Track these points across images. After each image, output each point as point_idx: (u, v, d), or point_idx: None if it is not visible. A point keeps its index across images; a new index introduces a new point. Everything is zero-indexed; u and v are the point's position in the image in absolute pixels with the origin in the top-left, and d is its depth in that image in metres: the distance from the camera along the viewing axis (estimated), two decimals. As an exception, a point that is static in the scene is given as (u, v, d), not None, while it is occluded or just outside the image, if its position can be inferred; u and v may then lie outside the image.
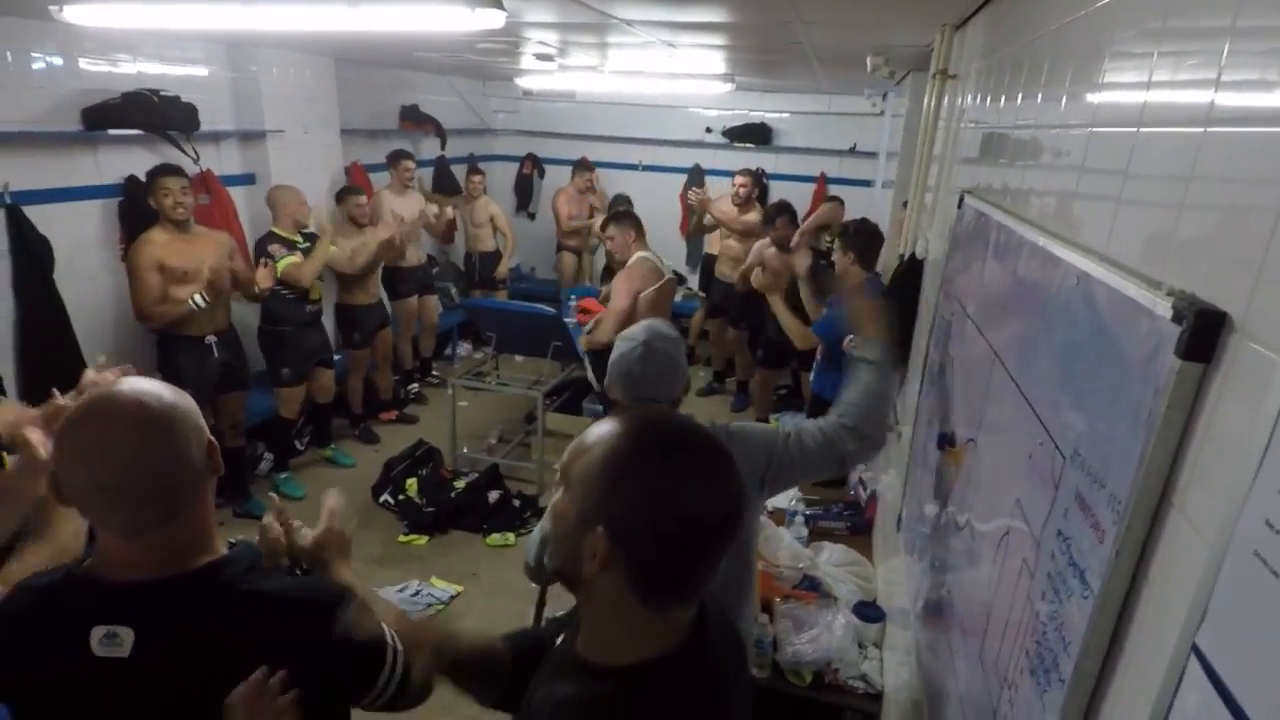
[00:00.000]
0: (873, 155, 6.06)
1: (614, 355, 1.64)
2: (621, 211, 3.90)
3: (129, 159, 3.66)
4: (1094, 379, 0.86)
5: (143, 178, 3.53)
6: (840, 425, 1.65)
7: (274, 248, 3.85)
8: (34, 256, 3.24)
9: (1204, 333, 0.64)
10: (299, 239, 4.00)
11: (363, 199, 4.58)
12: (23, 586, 1.02)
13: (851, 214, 4.37)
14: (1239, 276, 0.62)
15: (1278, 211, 0.58)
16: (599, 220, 5.78)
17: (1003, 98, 1.63)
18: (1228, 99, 0.68)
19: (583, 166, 6.44)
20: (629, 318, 3.47)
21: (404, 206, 5.04)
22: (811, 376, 3.63)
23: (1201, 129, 0.71)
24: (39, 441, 1.24)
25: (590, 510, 0.80)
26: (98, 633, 0.92)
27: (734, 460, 0.83)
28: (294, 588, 1.05)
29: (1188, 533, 0.66)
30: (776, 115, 6.59)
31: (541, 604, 2.15)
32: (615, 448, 0.81)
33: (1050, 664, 0.87)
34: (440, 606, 3.34)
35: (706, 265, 5.97)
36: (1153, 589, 0.71)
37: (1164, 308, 0.69)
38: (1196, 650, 0.59)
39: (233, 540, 1.06)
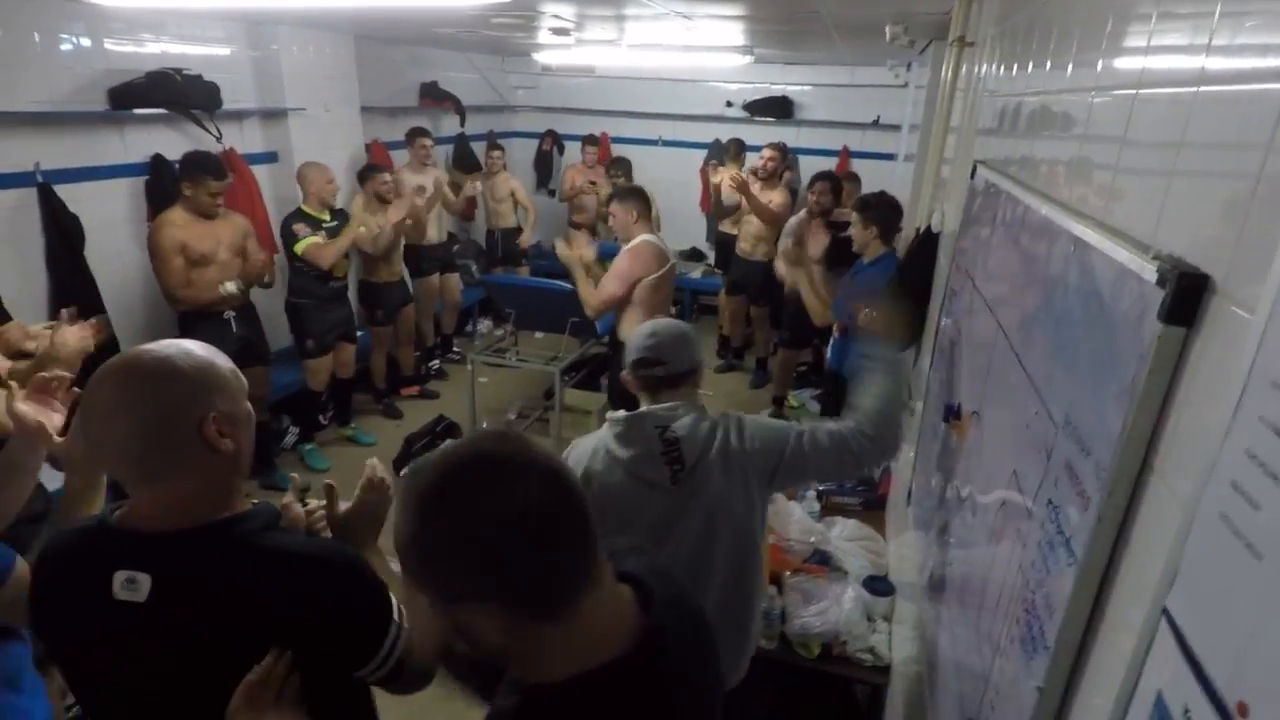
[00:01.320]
0: (896, 128, 5.95)
1: (628, 345, 1.68)
2: (626, 188, 3.73)
3: (154, 138, 3.73)
4: (1085, 347, 0.86)
5: (167, 156, 3.59)
6: (859, 431, 1.63)
7: (298, 226, 3.90)
8: (65, 234, 3.32)
9: (1186, 296, 0.63)
10: (326, 217, 4.03)
11: (388, 176, 4.58)
12: (62, 531, 1.07)
13: (874, 189, 4.31)
14: (1222, 239, 0.61)
15: (1258, 174, 0.57)
16: (604, 192, 5.77)
17: (1014, 65, 1.60)
18: (1217, 62, 0.67)
19: (590, 141, 6.43)
20: (624, 307, 3.36)
21: (423, 183, 5.06)
22: (828, 353, 3.61)
23: (1194, 89, 0.70)
24: (33, 414, 1.30)
25: (439, 601, 0.71)
26: (119, 577, 0.96)
27: (537, 460, 0.72)
28: (306, 546, 1.07)
29: (1167, 498, 0.66)
30: (798, 88, 6.49)
31: None
32: (405, 529, 0.71)
33: (1037, 632, 0.88)
34: (459, 577, 3.40)
35: (722, 243, 5.92)
36: (1133, 556, 0.71)
37: (1150, 272, 0.69)
38: (1166, 613, 0.59)
39: (255, 502, 1.08)
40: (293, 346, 4.25)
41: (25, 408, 1.29)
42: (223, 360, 1.03)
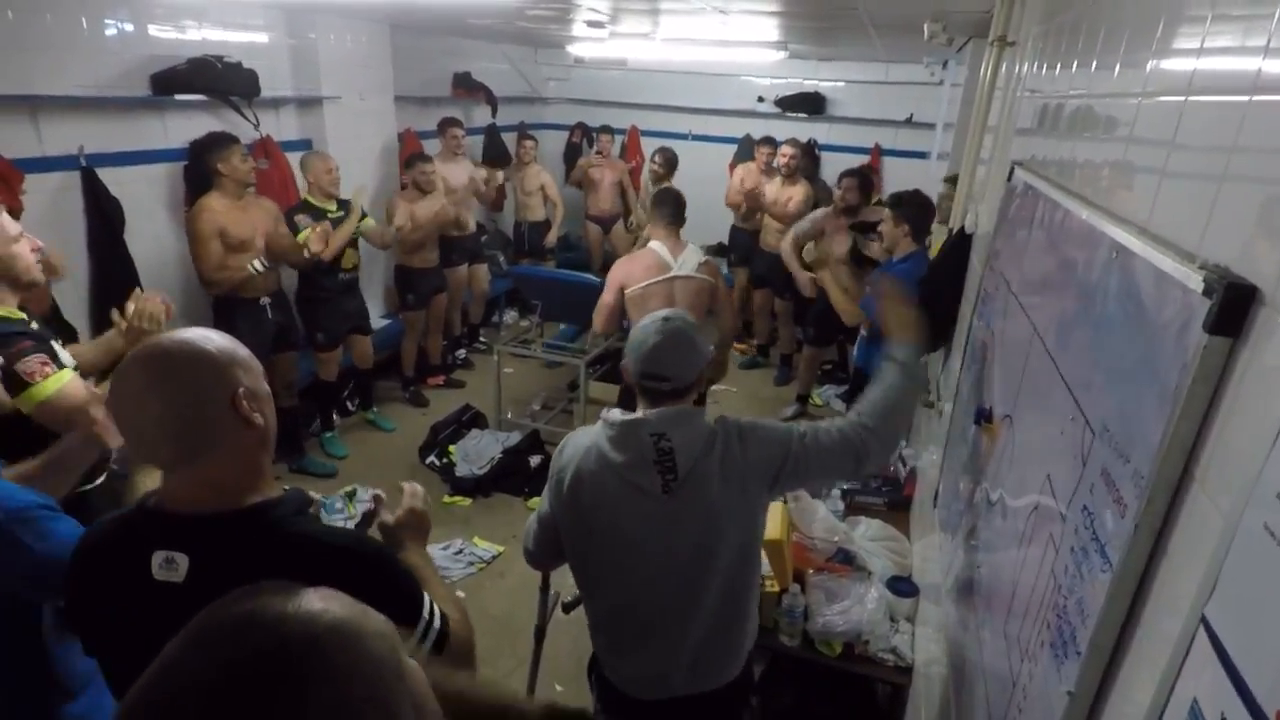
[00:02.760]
0: (930, 126, 5.88)
1: (632, 331, 1.61)
2: (658, 191, 3.59)
3: (194, 124, 3.79)
4: (1126, 354, 0.85)
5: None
6: (859, 424, 1.60)
7: (300, 217, 3.85)
8: (106, 217, 3.39)
9: (1233, 306, 0.63)
10: (331, 207, 4.01)
11: (429, 167, 4.61)
12: (99, 520, 1.10)
13: (904, 187, 4.27)
14: (1273, 249, 0.61)
15: (1315, 182, 0.56)
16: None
17: (1058, 65, 1.58)
18: (1275, 66, 0.66)
19: (603, 131, 6.47)
20: (614, 312, 3.33)
21: (453, 173, 5.10)
22: (855, 351, 3.60)
23: (1247, 97, 0.69)
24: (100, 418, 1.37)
25: None
26: (158, 558, 0.99)
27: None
28: (334, 536, 1.09)
29: (1207, 508, 0.66)
30: (831, 84, 6.44)
31: (545, 586, 2.24)
32: None
33: (1068, 637, 0.88)
34: (482, 565, 3.45)
35: (735, 239, 5.94)
36: (1171, 564, 0.71)
37: (1196, 281, 0.68)
38: (1205, 622, 0.59)
39: (286, 488, 1.11)
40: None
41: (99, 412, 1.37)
42: (240, 345, 1.06)
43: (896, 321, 1.76)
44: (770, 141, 5.58)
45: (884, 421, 1.61)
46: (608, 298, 3.31)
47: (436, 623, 1.11)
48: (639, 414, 1.57)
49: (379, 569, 1.07)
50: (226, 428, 1.00)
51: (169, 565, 0.99)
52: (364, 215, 4.13)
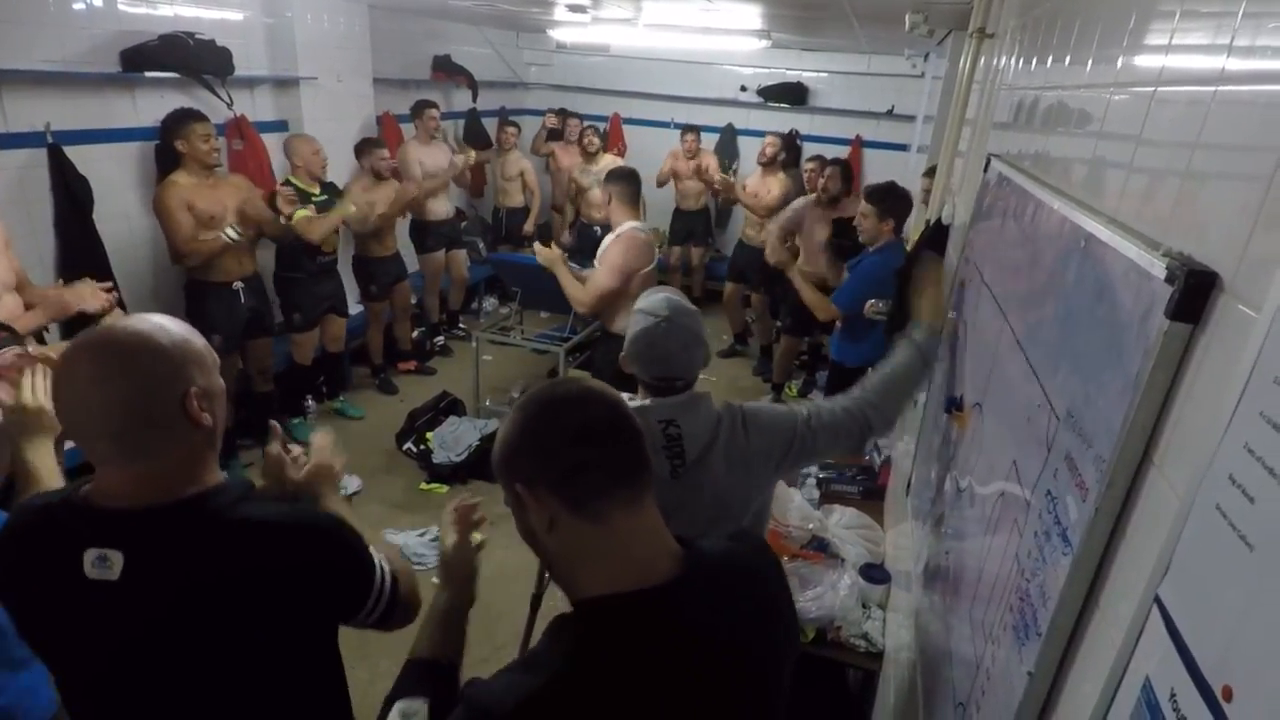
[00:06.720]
0: (910, 119, 5.92)
1: (634, 330, 1.57)
2: (614, 169, 3.34)
3: (165, 102, 3.69)
4: (1091, 341, 0.87)
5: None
6: (863, 400, 1.64)
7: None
8: (74, 196, 3.31)
9: (1194, 293, 0.64)
10: (315, 190, 3.96)
11: (384, 152, 4.51)
12: (21, 507, 1.04)
13: (885, 179, 4.29)
14: (1232, 238, 0.62)
15: (1271, 175, 0.58)
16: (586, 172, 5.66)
17: (1034, 58, 1.60)
18: (1237, 63, 0.67)
19: (557, 114, 6.42)
20: (617, 299, 3.10)
21: (430, 157, 5.04)
22: (831, 345, 3.62)
23: (1213, 89, 0.70)
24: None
25: (508, 484, 0.87)
26: (90, 555, 0.94)
27: (612, 403, 0.88)
28: (281, 514, 1.04)
29: (1164, 490, 0.67)
30: (813, 75, 6.46)
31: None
32: (503, 431, 0.89)
33: (1030, 619, 0.89)
34: (458, 551, 3.44)
35: (674, 219, 6.06)
36: (1129, 546, 0.73)
37: (1159, 269, 0.69)
38: (1158, 601, 0.61)
39: (225, 476, 1.06)
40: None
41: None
42: (197, 336, 1.01)
43: (928, 305, 1.79)
44: (693, 129, 5.77)
45: (887, 398, 1.65)
46: (614, 284, 3.07)
47: (388, 581, 1.10)
48: (646, 401, 1.57)
49: (334, 542, 1.05)
50: (173, 428, 0.95)
51: (102, 563, 0.93)
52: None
